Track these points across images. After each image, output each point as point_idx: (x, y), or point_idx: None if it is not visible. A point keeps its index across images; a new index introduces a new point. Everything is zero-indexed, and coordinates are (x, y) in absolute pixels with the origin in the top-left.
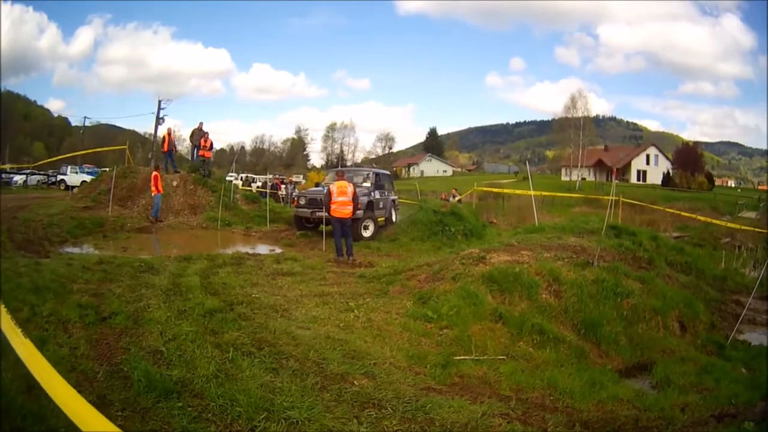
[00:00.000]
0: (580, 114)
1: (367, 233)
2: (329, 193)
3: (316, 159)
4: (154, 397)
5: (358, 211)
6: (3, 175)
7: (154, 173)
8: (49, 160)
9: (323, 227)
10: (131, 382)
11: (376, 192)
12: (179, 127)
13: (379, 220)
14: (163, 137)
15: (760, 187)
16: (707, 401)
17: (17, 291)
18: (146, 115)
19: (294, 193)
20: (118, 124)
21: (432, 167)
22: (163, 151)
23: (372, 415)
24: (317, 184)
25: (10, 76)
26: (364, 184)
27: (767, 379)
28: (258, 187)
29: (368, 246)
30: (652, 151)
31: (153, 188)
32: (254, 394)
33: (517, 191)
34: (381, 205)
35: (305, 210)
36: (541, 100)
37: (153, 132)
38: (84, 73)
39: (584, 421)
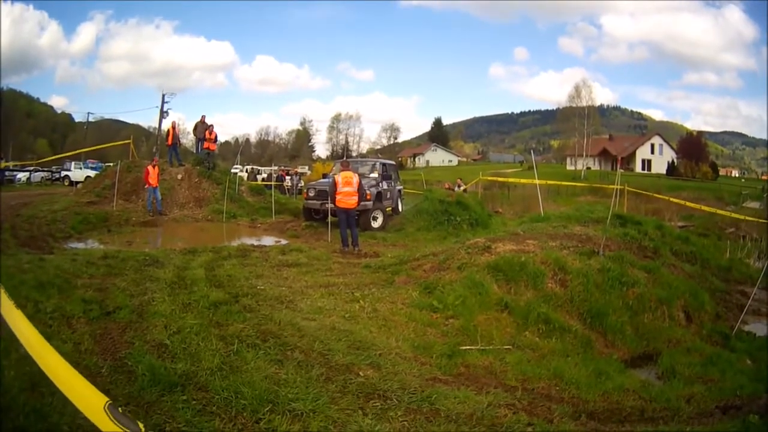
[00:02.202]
0: (584, 103)
1: (376, 224)
2: (334, 184)
3: (321, 150)
4: (159, 390)
5: (368, 202)
6: (6, 173)
7: (145, 168)
8: (54, 157)
9: (330, 218)
10: (135, 376)
11: (384, 182)
12: (183, 121)
13: (386, 210)
14: (168, 131)
15: (763, 177)
16: (712, 392)
17: (21, 287)
18: (150, 109)
19: (299, 185)
20: (121, 119)
21: (437, 157)
22: (167, 145)
23: (377, 406)
24: (325, 176)
25: (12, 74)
26: (372, 175)
27: None
28: (263, 178)
29: (374, 236)
30: (657, 140)
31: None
32: (259, 386)
33: (522, 180)
34: (388, 196)
35: (315, 202)
36: (546, 90)
37: (157, 126)
38: (86, 69)
39: (590, 412)
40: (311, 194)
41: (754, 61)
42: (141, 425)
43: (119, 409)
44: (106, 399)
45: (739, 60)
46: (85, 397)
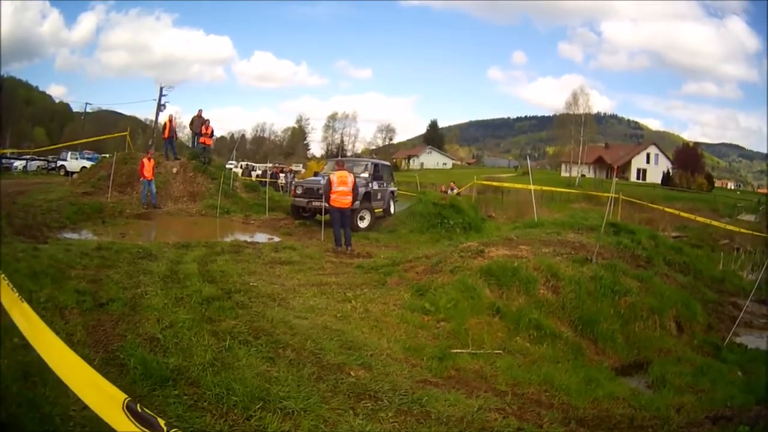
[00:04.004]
0: (581, 111)
1: (363, 224)
2: (329, 183)
3: (317, 148)
4: (150, 384)
5: (355, 202)
6: (3, 160)
7: (141, 160)
8: (51, 147)
9: (321, 217)
10: (127, 369)
11: (374, 183)
12: (180, 114)
13: (376, 211)
14: (164, 124)
15: (759, 191)
16: (702, 403)
17: (15, 276)
18: (147, 101)
19: (293, 182)
20: (119, 111)
21: (432, 159)
22: (163, 138)
23: (368, 406)
24: (316, 174)
25: (12, 61)
26: (362, 175)
27: (766, 383)
28: (258, 175)
29: (367, 237)
30: (653, 150)
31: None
32: (250, 383)
33: (517, 185)
34: (379, 196)
35: (302, 199)
36: (543, 96)
37: (154, 118)
38: (86, 58)
39: (580, 419)
40: (299, 191)
41: (755, 72)
42: (162, 422)
43: (138, 406)
44: (125, 396)
45: (740, 71)
46: (101, 396)
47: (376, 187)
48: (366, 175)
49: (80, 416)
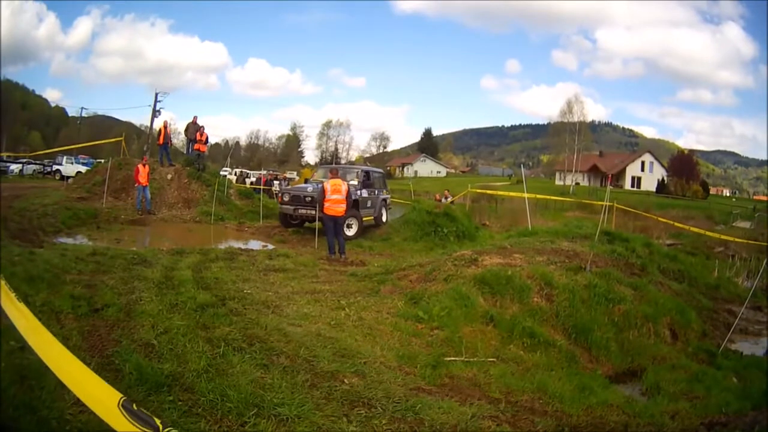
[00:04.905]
0: (576, 119)
1: (350, 232)
2: (323, 191)
3: (311, 156)
4: (145, 390)
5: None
6: (0, 164)
7: (136, 166)
8: (48, 150)
9: (315, 225)
10: (123, 375)
11: (364, 191)
12: (174, 121)
13: (365, 219)
14: (159, 130)
15: (755, 197)
16: (697, 409)
17: (12, 280)
18: (142, 107)
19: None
20: (114, 116)
21: (426, 168)
22: (158, 144)
23: (362, 414)
24: (306, 181)
25: (8, 64)
26: (352, 182)
27: (765, 389)
28: (252, 182)
29: (360, 245)
30: (648, 158)
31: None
32: (245, 389)
33: (511, 194)
34: (368, 204)
35: (289, 206)
36: (537, 104)
37: (149, 124)
38: (81, 63)
39: (573, 426)
40: (286, 199)
41: (751, 78)
42: (158, 421)
43: (133, 405)
44: (120, 395)
45: (736, 78)
46: (98, 394)
47: (365, 194)
48: (355, 182)
49: (77, 419)
